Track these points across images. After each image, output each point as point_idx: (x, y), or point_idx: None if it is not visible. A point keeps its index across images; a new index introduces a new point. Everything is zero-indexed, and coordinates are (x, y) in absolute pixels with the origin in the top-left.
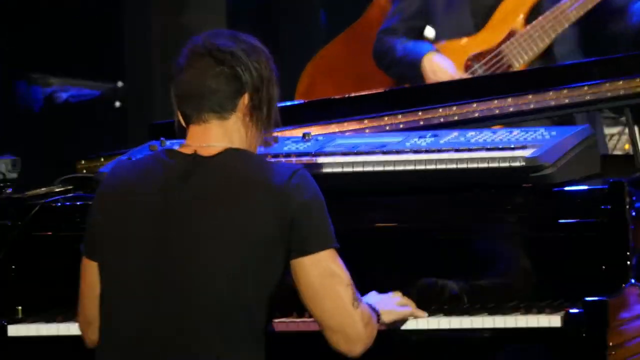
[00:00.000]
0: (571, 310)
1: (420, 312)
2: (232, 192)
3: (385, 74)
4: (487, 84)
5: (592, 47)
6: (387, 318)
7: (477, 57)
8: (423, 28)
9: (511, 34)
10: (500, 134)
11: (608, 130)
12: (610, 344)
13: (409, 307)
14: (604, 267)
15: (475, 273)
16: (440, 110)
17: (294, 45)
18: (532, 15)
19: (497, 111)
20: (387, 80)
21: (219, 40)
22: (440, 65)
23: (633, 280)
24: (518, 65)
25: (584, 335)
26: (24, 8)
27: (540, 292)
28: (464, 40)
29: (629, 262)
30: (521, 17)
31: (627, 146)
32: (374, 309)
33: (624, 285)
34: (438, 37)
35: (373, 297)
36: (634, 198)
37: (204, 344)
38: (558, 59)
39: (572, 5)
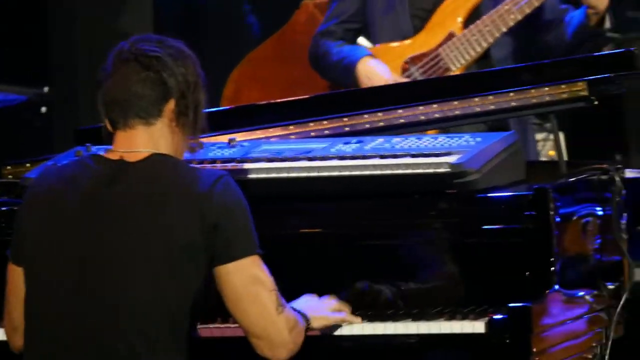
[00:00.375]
0: (495, 317)
1: (354, 318)
2: (155, 197)
3: (321, 77)
4: (413, 89)
5: (527, 53)
6: (316, 324)
7: (414, 59)
8: (361, 31)
9: (449, 37)
10: (426, 140)
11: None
12: (534, 349)
13: (344, 312)
14: (528, 273)
15: (400, 279)
16: (366, 116)
17: (221, 50)
18: (471, 18)
19: (422, 117)
20: (315, 86)
21: (145, 45)
22: (375, 70)
23: (557, 287)
24: (455, 68)
25: (507, 341)
26: None
27: (465, 298)
28: (402, 42)
29: (552, 269)
30: (460, 20)
31: (551, 152)
32: (302, 314)
33: (547, 291)
34: (376, 40)
35: (305, 302)
36: (558, 204)
37: (128, 347)
38: (495, 64)
39: (510, 10)
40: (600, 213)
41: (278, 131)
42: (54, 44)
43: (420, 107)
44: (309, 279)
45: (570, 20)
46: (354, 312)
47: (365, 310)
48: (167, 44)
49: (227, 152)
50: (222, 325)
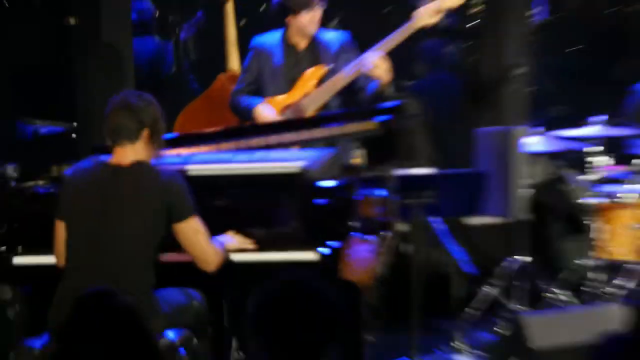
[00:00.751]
0: (322, 250)
1: (249, 246)
2: (139, 186)
3: (235, 116)
4: (286, 124)
5: (348, 103)
6: (229, 249)
7: (287, 106)
8: (258, 90)
9: (307, 94)
10: (288, 153)
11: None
12: (344, 267)
13: (246, 244)
14: (340, 226)
15: (272, 228)
16: (259, 138)
17: (175, 101)
18: (320, 82)
19: (290, 139)
20: (229, 122)
21: (129, 98)
22: (266, 112)
23: (358, 234)
24: (310, 112)
25: (328, 263)
26: None
27: (306, 239)
28: (281, 96)
29: (353, 223)
30: (313, 83)
31: (357, 160)
32: (222, 245)
33: (351, 235)
34: (267, 94)
35: (223, 237)
36: (360, 188)
37: (124, 271)
38: (332, 108)
39: (340, 78)
40: (382, 193)
41: (208, 148)
42: (77, 91)
43: (289, 134)
44: (223, 227)
45: (370, 86)
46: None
47: (255, 244)
48: (142, 97)
49: (176, 160)
50: (176, 254)
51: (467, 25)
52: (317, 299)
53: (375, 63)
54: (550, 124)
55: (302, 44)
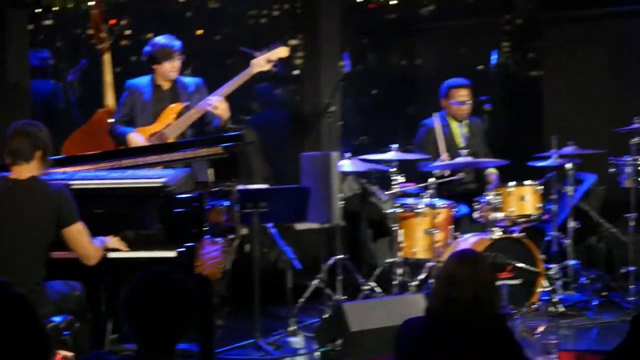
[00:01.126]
0: (180, 249)
1: (124, 247)
2: (33, 197)
3: (113, 143)
4: (152, 148)
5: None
6: (109, 246)
7: (153, 134)
8: (130, 121)
9: (168, 124)
10: (153, 171)
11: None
12: (197, 264)
13: (120, 244)
14: (194, 230)
15: (141, 230)
16: (130, 159)
17: (64, 130)
18: (179, 115)
19: (155, 160)
20: (107, 147)
21: (26, 126)
22: (136, 139)
23: (209, 236)
24: (171, 138)
25: (185, 259)
26: None
27: (168, 240)
28: (148, 126)
29: (204, 227)
30: (173, 116)
31: (207, 177)
32: (102, 244)
33: (203, 237)
34: (137, 125)
35: (104, 238)
36: (209, 199)
37: (20, 266)
38: (188, 136)
39: (194, 113)
40: (227, 204)
41: (89, 167)
42: None
43: (154, 156)
44: (102, 230)
45: (215, 122)
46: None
47: (127, 244)
48: (36, 125)
49: (62, 176)
50: (64, 252)
51: (293, 72)
52: (176, 289)
53: (216, 105)
54: (357, 150)
55: (165, 85)
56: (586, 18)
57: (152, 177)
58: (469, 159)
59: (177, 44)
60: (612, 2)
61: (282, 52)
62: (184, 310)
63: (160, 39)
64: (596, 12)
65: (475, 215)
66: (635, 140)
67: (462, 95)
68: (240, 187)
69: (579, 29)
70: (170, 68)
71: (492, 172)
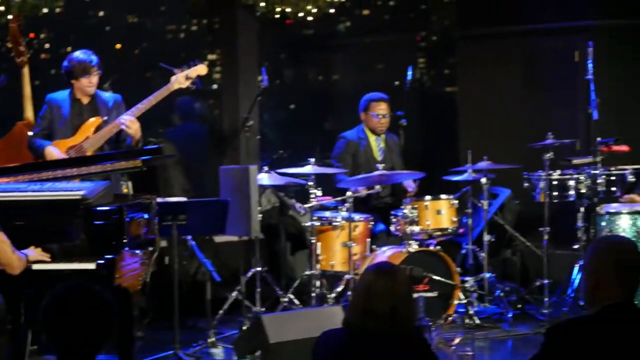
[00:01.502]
0: (99, 261)
1: (46, 258)
2: None
3: (32, 155)
4: (69, 161)
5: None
6: (31, 259)
7: (71, 147)
8: (50, 134)
9: (87, 138)
10: (72, 184)
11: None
12: (117, 275)
13: (43, 256)
14: (114, 242)
15: (64, 244)
16: (48, 172)
17: None
18: (97, 129)
19: (73, 173)
20: (27, 160)
21: None
22: (53, 152)
23: (128, 248)
24: (89, 152)
25: (105, 272)
26: None
27: (89, 253)
28: (67, 139)
29: (123, 240)
30: (92, 129)
31: (125, 190)
32: (25, 255)
33: (122, 249)
34: (55, 138)
35: (27, 250)
36: (129, 211)
37: None
38: (106, 149)
39: (110, 130)
40: (146, 216)
41: (7, 180)
42: None
43: (73, 169)
44: (24, 242)
45: (128, 139)
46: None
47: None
48: None
49: None
50: None
51: (212, 87)
52: (95, 300)
53: (128, 124)
54: (275, 163)
55: (85, 99)
56: (499, 35)
57: (71, 190)
58: (386, 172)
59: (94, 59)
60: (524, 20)
61: (201, 69)
62: (103, 322)
63: (78, 54)
64: (509, 29)
65: (392, 228)
66: (548, 155)
67: (382, 108)
68: (160, 199)
69: (493, 47)
70: (87, 83)
71: (409, 184)
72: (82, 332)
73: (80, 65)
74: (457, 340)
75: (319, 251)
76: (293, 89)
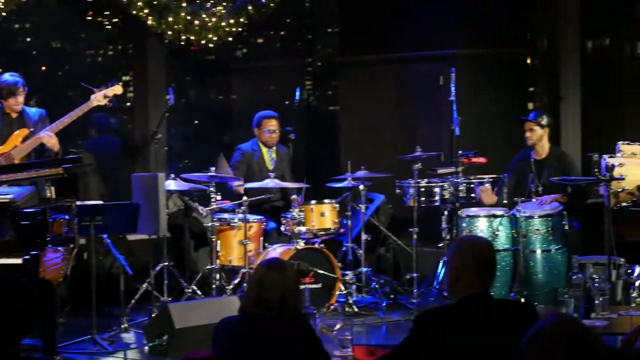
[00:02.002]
0: (26, 257)
1: None
2: None
3: None
4: (0, 168)
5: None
6: None
7: (1, 155)
8: None
9: (15, 146)
10: (2, 189)
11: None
12: (41, 270)
13: None
14: (38, 240)
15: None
16: None
17: None
18: (25, 140)
19: (2, 179)
20: None
21: None
22: None
23: (51, 245)
24: (17, 159)
25: (30, 266)
26: None
27: (17, 249)
28: None
29: (47, 237)
30: (20, 140)
31: (49, 194)
32: None
33: (46, 246)
34: None
35: None
36: (52, 213)
37: None
38: (32, 158)
39: (38, 139)
40: (67, 217)
41: None
42: None
43: (2, 175)
44: None
45: (49, 151)
46: None
47: None
48: None
49: None
50: None
51: (126, 104)
52: (21, 291)
53: (45, 140)
54: (180, 171)
55: (14, 114)
56: (375, 62)
57: (1, 194)
58: (277, 181)
59: (19, 80)
60: (396, 49)
61: (117, 89)
62: (28, 310)
63: (6, 77)
64: (383, 57)
65: (282, 228)
66: (417, 165)
67: (272, 125)
68: (79, 203)
69: (370, 71)
70: (14, 102)
71: (295, 197)
72: (9, 319)
73: (7, 88)
74: (338, 326)
75: (218, 248)
76: (196, 106)
